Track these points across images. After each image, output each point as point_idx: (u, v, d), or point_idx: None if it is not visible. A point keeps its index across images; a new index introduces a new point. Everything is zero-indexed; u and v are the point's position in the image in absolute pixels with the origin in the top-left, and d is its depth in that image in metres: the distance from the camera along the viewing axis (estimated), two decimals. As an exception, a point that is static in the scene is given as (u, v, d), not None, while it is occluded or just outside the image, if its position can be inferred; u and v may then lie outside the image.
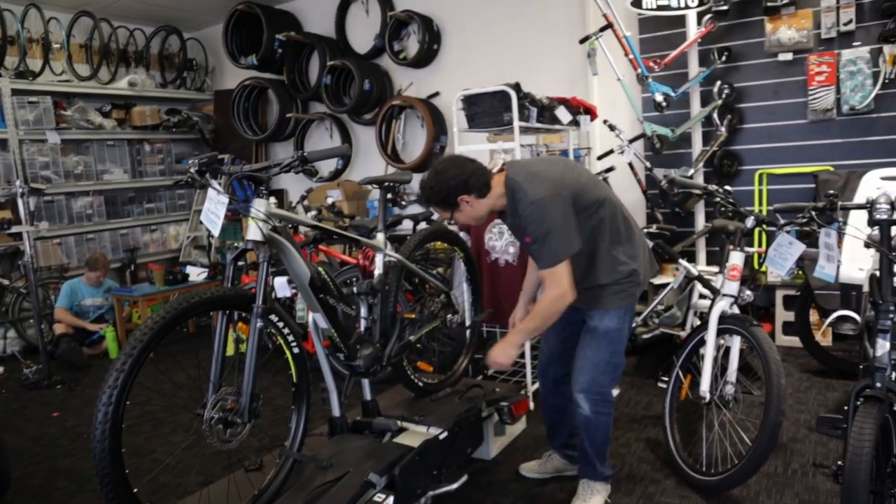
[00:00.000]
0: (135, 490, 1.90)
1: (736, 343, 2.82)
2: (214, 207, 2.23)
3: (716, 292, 2.96)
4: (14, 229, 4.91)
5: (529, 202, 2.31)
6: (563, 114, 3.92)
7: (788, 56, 4.64)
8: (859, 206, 2.24)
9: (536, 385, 3.76)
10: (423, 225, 4.69)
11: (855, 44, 4.41)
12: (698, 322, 3.80)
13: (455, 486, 2.61)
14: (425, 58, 6.21)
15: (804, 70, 4.58)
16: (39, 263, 5.91)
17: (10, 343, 5.80)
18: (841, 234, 2.34)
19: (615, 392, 3.78)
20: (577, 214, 2.36)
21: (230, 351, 2.19)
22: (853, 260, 3.23)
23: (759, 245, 4.70)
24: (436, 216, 4.58)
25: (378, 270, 2.80)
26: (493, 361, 2.49)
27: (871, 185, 3.58)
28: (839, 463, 2.10)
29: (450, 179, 2.35)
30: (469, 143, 3.95)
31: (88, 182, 6.62)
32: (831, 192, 2.35)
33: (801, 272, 4.15)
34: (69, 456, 3.60)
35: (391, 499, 2.24)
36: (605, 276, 2.48)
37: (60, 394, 4.71)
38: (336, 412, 2.71)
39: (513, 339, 2.48)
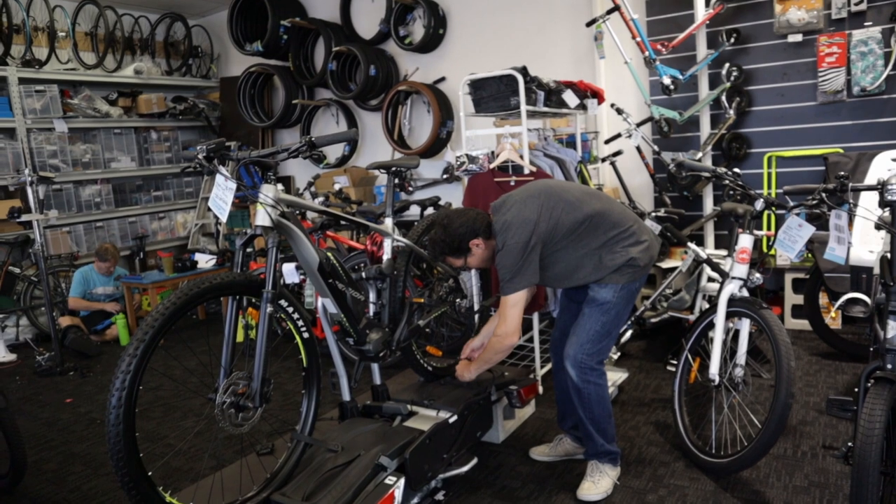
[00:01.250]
0: (149, 473, 1.92)
1: (745, 326, 2.82)
2: (222, 193, 2.23)
3: (725, 275, 2.95)
4: (24, 218, 4.93)
5: (497, 251, 2.56)
6: (570, 97, 3.90)
7: (798, 37, 4.59)
8: (871, 188, 2.22)
9: (545, 369, 3.77)
10: (430, 210, 4.68)
11: (866, 24, 4.36)
12: (707, 305, 3.80)
13: (465, 469, 2.63)
14: (431, 42, 6.18)
15: (814, 51, 4.53)
16: (49, 251, 5.94)
17: (22, 331, 5.86)
18: (852, 216, 2.33)
19: (624, 375, 3.78)
20: (556, 242, 2.56)
21: (240, 337, 2.20)
22: (864, 242, 3.21)
23: (769, 228, 4.69)
24: (443, 201, 4.58)
25: (386, 255, 2.81)
26: (459, 375, 2.92)
27: (883, 167, 3.55)
28: (849, 444, 2.10)
29: (458, 228, 2.57)
30: (476, 128, 3.94)
31: (96, 170, 6.64)
32: (842, 173, 2.33)
33: (810, 255, 4.13)
34: (83, 441, 3.64)
35: (402, 481, 2.27)
36: (591, 276, 2.61)
37: (73, 380, 4.75)
38: (346, 396, 2.73)
39: (475, 367, 2.85)
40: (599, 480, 2.66)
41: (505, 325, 2.58)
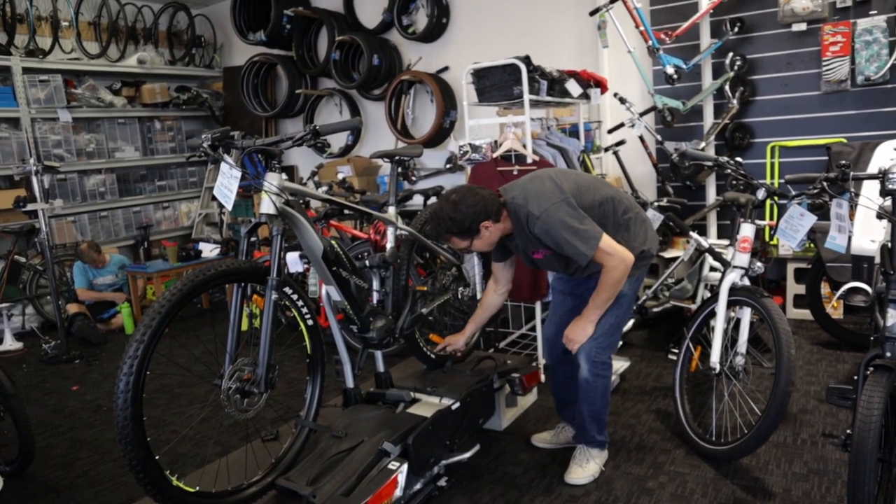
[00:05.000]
0: (156, 457, 1.95)
1: (746, 315, 2.84)
2: (227, 182, 2.25)
3: (726, 265, 2.96)
4: (29, 207, 4.96)
5: (537, 218, 2.42)
6: (573, 87, 3.90)
7: (802, 26, 4.57)
8: (872, 177, 2.23)
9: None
10: (433, 199, 4.70)
11: (871, 12, 4.34)
12: (709, 295, 3.81)
13: (467, 455, 2.65)
14: (434, 32, 6.17)
15: (818, 40, 4.52)
16: (55, 241, 5.97)
17: (28, 319, 5.90)
18: (853, 205, 2.34)
19: (626, 364, 3.81)
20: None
21: (244, 326, 2.23)
22: (865, 231, 3.22)
23: (771, 218, 4.69)
24: (446, 190, 4.58)
25: (390, 244, 2.83)
26: (571, 339, 2.60)
27: (885, 156, 3.55)
28: (848, 431, 2.12)
29: (470, 207, 2.42)
30: (479, 117, 3.94)
31: (100, 160, 6.66)
32: (843, 162, 2.34)
33: (812, 244, 4.14)
34: (90, 427, 3.68)
35: (405, 467, 2.29)
36: None
37: (79, 368, 4.79)
38: (350, 384, 2.76)
39: (591, 317, 2.57)
40: (586, 465, 2.72)
41: (612, 257, 2.41)
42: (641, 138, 4.79)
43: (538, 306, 3.76)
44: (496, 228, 2.50)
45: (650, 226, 2.70)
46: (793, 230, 2.74)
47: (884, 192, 2.14)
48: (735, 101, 4.77)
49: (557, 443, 3.01)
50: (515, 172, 3.51)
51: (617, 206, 2.57)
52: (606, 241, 2.42)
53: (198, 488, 2.10)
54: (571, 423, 2.96)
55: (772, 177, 4.83)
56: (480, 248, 2.59)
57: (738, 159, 3.15)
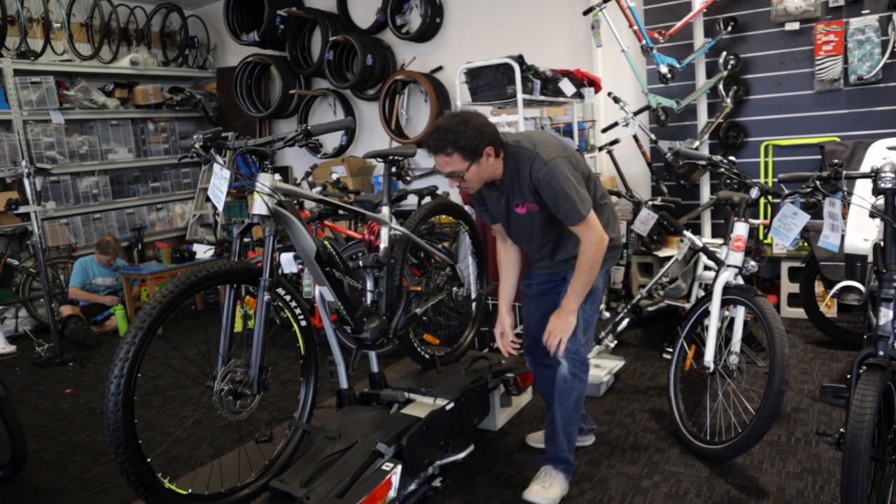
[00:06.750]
0: (148, 460, 1.93)
1: (740, 313, 2.84)
2: (219, 182, 2.24)
3: (720, 263, 2.97)
4: (22, 210, 4.94)
5: (545, 163, 2.32)
6: (566, 86, 3.90)
7: (795, 25, 4.58)
8: (864, 175, 2.23)
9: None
10: (427, 199, 4.69)
11: (864, 12, 4.35)
12: (703, 294, 3.82)
13: (462, 455, 2.65)
14: (428, 32, 6.17)
15: (811, 40, 4.53)
16: (48, 243, 5.95)
17: (21, 322, 5.87)
18: (846, 204, 2.34)
19: (620, 363, 3.81)
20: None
21: (238, 327, 2.21)
22: (858, 230, 3.22)
23: (765, 217, 4.71)
24: (440, 190, 4.58)
25: (384, 244, 2.82)
26: (554, 333, 2.45)
27: (878, 155, 3.56)
28: (841, 430, 2.12)
29: (481, 126, 2.27)
30: (473, 117, 3.94)
31: (93, 162, 6.64)
32: (836, 161, 2.34)
33: (805, 243, 4.15)
34: (83, 431, 3.66)
35: (399, 468, 2.29)
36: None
37: (72, 371, 4.77)
38: (344, 384, 2.75)
39: (571, 306, 2.43)
40: (550, 486, 2.54)
41: (594, 233, 2.36)
42: (635, 137, 4.78)
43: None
44: (495, 163, 2.35)
45: (617, 218, 2.70)
46: (786, 229, 2.74)
47: (876, 191, 2.14)
48: (729, 100, 4.78)
49: (552, 442, 2.99)
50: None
51: (597, 188, 2.57)
52: (593, 215, 2.39)
53: (190, 490, 2.08)
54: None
55: (765, 176, 4.84)
56: (471, 182, 2.37)
57: (732, 158, 3.16)
